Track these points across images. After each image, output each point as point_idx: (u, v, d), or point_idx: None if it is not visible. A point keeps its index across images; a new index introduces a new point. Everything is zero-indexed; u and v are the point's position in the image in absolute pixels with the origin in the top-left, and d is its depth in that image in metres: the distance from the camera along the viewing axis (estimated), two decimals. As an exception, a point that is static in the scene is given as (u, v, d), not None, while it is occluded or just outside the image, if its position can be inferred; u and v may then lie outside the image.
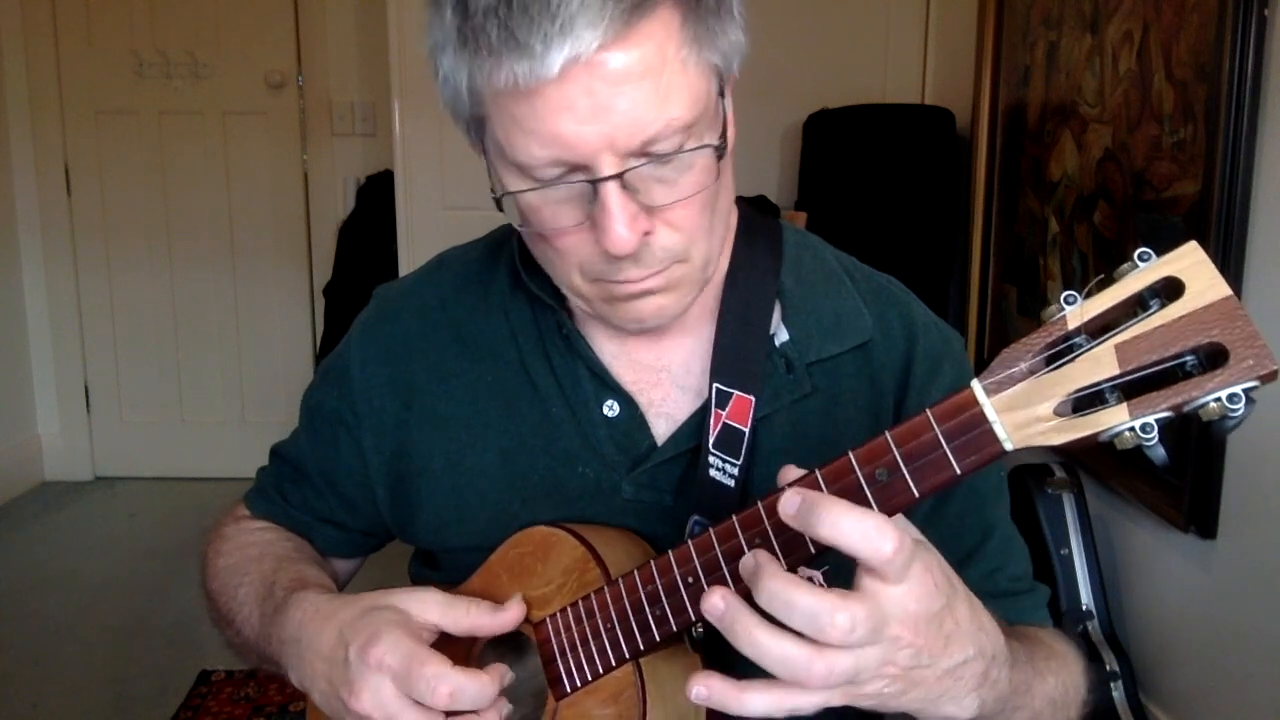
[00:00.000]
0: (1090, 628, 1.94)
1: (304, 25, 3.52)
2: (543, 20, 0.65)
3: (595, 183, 0.70)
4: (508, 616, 0.78)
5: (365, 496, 0.95)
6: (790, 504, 0.61)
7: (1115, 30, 1.96)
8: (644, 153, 0.70)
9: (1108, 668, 1.90)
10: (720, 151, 0.73)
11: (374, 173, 3.52)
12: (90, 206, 3.61)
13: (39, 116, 3.52)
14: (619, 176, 0.70)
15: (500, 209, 0.78)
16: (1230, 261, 1.60)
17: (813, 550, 0.63)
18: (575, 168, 0.71)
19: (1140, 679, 1.93)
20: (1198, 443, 1.68)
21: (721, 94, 0.76)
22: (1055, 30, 2.22)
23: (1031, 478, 2.04)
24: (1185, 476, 1.72)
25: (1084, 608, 1.95)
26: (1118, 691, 1.89)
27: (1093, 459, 2.05)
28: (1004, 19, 2.47)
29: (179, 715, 2.28)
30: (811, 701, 0.61)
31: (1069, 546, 1.99)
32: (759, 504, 0.65)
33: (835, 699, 0.61)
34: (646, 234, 0.73)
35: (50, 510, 3.51)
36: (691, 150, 0.71)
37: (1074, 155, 2.14)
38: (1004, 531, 0.90)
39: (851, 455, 0.62)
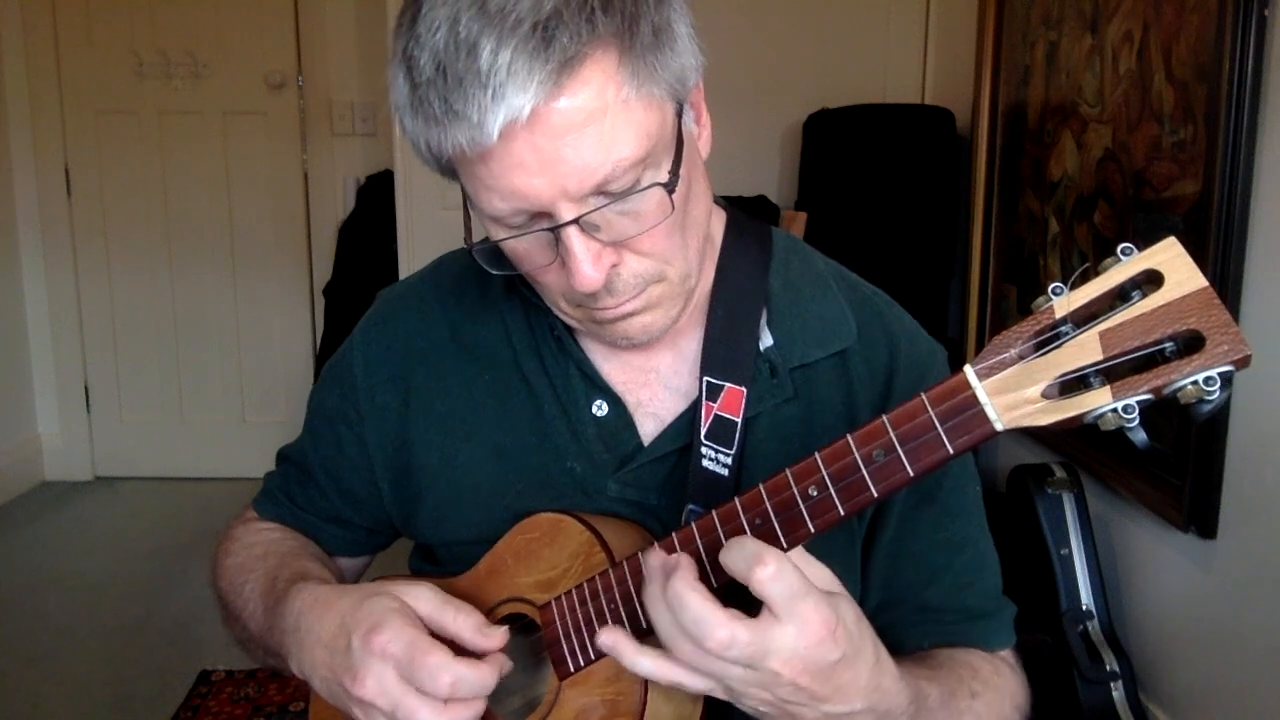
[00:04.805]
0: (1090, 628, 1.94)
1: (304, 25, 3.52)
2: (475, 90, 0.67)
3: (555, 229, 0.73)
4: (489, 643, 0.77)
5: (370, 493, 0.98)
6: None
7: (1115, 30, 1.96)
8: (600, 192, 0.72)
9: (1108, 668, 1.89)
10: (670, 187, 0.74)
11: (374, 173, 3.52)
12: (90, 206, 3.61)
13: (39, 116, 3.52)
14: (576, 221, 0.73)
15: (473, 258, 0.80)
16: (1230, 261, 1.60)
17: (812, 530, 0.67)
18: (539, 214, 0.74)
19: (1140, 679, 1.92)
20: (1198, 443, 1.68)
21: (680, 113, 0.77)
22: (1055, 30, 2.22)
23: (1031, 478, 2.04)
24: (1185, 476, 1.72)
25: (1084, 608, 1.95)
26: (1118, 691, 1.89)
27: (1093, 459, 2.05)
28: (1004, 19, 2.47)
29: (179, 715, 2.27)
30: (689, 682, 0.67)
31: (1069, 546, 1.98)
32: (760, 486, 0.68)
33: (715, 691, 0.68)
34: (614, 266, 0.76)
35: (50, 510, 3.51)
36: (644, 189, 0.73)
37: (1074, 155, 2.14)
38: (978, 548, 0.92)
39: (850, 438, 0.65)
